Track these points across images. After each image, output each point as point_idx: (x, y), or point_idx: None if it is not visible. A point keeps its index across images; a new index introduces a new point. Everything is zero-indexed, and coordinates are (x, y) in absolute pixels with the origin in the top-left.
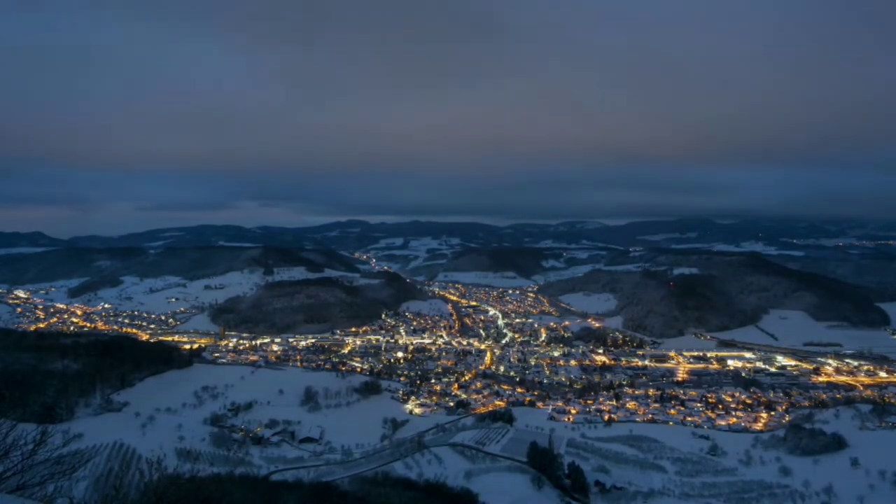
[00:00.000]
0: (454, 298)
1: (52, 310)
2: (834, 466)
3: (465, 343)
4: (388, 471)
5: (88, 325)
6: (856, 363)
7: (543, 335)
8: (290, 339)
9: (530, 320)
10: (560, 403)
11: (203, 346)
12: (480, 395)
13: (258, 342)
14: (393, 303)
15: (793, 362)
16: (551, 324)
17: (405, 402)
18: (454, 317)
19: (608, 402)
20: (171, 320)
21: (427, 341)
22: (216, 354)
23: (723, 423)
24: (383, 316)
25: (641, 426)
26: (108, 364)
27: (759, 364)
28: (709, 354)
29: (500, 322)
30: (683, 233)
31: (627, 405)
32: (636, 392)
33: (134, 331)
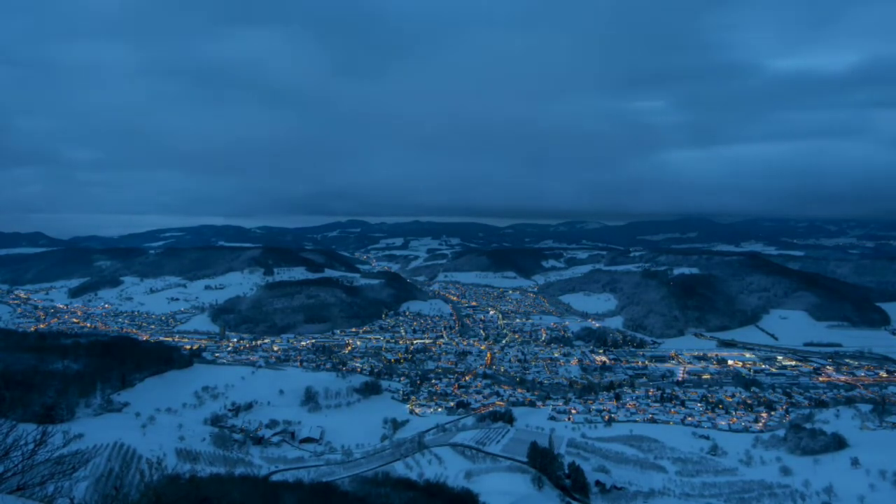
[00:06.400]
0: (454, 298)
1: (52, 310)
2: (834, 466)
3: (465, 343)
4: (388, 471)
5: (88, 325)
6: (856, 363)
7: (544, 335)
8: (291, 339)
9: (530, 320)
10: (560, 403)
11: (203, 346)
12: (481, 396)
13: (258, 342)
14: (393, 303)
15: (793, 362)
16: (551, 324)
17: (405, 402)
18: (454, 317)
19: (608, 402)
20: (171, 320)
21: (427, 341)
22: (216, 355)
23: (723, 423)
24: (383, 316)
25: (642, 426)
26: (108, 364)
27: (760, 364)
28: (709, 354)
29: (501, 322)
30: (683, 233)
31: (628, 405)
32: (636, 392)
33: (134, 331)
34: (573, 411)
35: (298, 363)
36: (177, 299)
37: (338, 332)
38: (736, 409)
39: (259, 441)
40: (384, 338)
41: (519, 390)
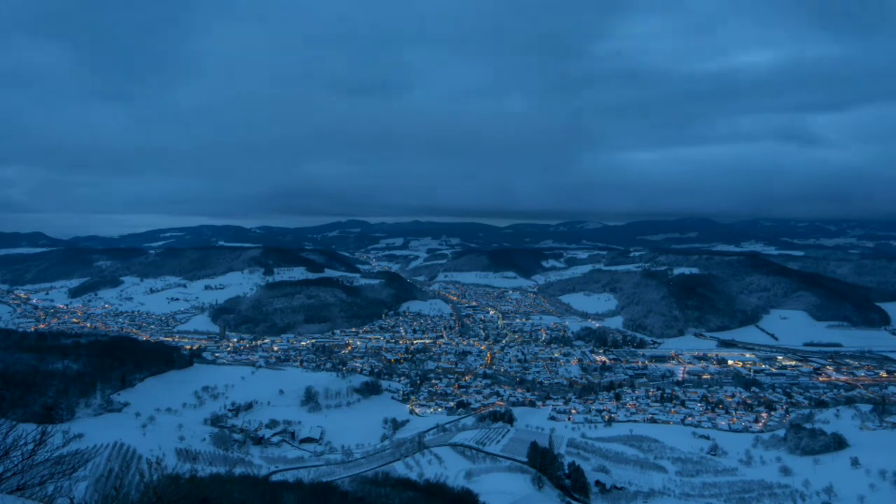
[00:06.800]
0: (454, 298)
1: (52, 310)
2: (834, 466)
3: (465, 343)
4: (388, 471)
5: (88, 325)
6: (856, 363)
7: (544, 335)
8: (291, 339)
9: (530, 320)
10: (560, 403)
11: (203, 346)
12: (481, 396)
13: (258, 342)
14: (393, 303)
15: (793, 362)
16: (552, 324)
17: (405, 402)
18: (454, 317)
19: (608, 402)
20: (171, 320)
21: (427, 341)
22: (216, 355)
23: (723, 423)
24: (383, 316)
25: (642, 426)
26: (108, 364)
27: (760, 364)
28: (709, 354)
29: (501, 322)
30: (683, 233)
31: (628, 405)
32: (636, 392)
33: (134, 331)
34: (573, 411)
35: (298, 363)
36: (177, 299)
37: (338, 332)
38: (736, 409)
39: (259, 441)
40: (384, 338)
41: (519, 390)
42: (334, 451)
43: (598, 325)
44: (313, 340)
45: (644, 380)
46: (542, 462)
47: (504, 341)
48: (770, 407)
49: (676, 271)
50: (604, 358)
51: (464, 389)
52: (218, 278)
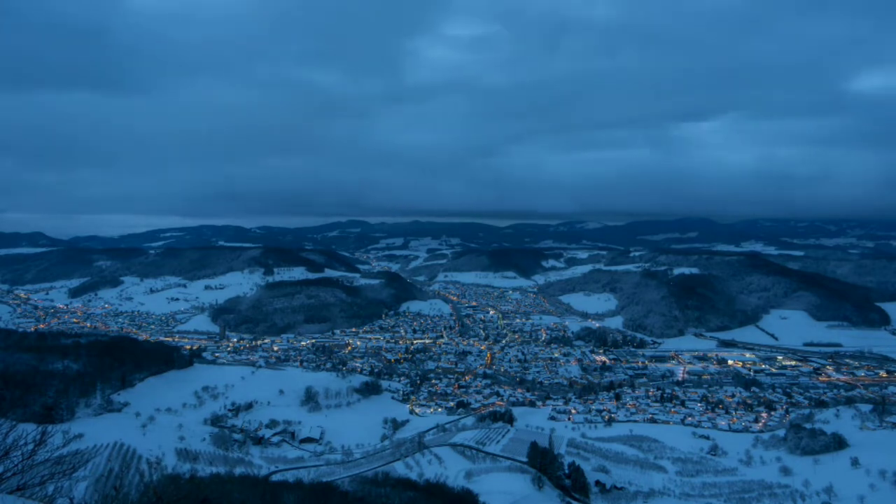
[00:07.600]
0: (454, 298)
1: (52, 310)
2: (834, 466)
3: (465, 343)
4: (388, 471)
5: (88, 325)
6: (856, 363)
7: (544, 335)
8: (291, 339)
9: (530, 320)
10: (560, 403)
11: (203, 346)
12: (481, 396)
13: (258, 342)
14: (393, 303)
15: (793, 362)
16: (552, 324)
17: (405, 402)
18: (454, 317)
19: (608, 402)
20: (171, 320)
21: (427, 341)
22: (216, 355)
23: (723, 422)
24: (383, 316)
25: (642, 426)
26: (108, 364)
27: (760, 364)
28: (709, 354)
29: (501, 322)
30: (683, 233)
31: (628, 405)
32: (636, 392)
33: (134, 331)
34: (573, 411)
35: (298, 363)
36: (177, 299)
37: (338, 332)
38: (736, 409)
39: (259, 441)
40: (384, 338)
41: (519, 390)
42: (334, 451)
43: (598, 325)
44: (313, 340)
45: (644, 380)
46: (542, 462)
47: (504, 341)
48: (770, 407)
49: (676, 271)
50: (604, 358)
51: (464, 389)
52: (218, 278)
